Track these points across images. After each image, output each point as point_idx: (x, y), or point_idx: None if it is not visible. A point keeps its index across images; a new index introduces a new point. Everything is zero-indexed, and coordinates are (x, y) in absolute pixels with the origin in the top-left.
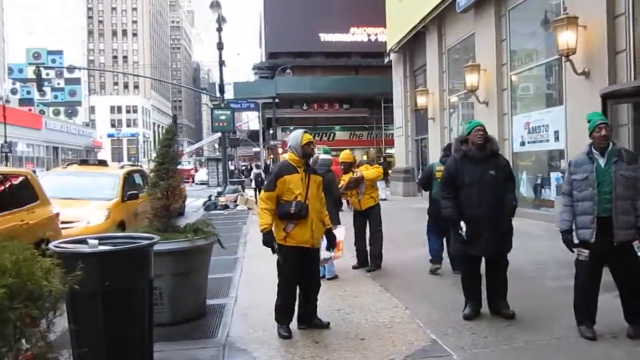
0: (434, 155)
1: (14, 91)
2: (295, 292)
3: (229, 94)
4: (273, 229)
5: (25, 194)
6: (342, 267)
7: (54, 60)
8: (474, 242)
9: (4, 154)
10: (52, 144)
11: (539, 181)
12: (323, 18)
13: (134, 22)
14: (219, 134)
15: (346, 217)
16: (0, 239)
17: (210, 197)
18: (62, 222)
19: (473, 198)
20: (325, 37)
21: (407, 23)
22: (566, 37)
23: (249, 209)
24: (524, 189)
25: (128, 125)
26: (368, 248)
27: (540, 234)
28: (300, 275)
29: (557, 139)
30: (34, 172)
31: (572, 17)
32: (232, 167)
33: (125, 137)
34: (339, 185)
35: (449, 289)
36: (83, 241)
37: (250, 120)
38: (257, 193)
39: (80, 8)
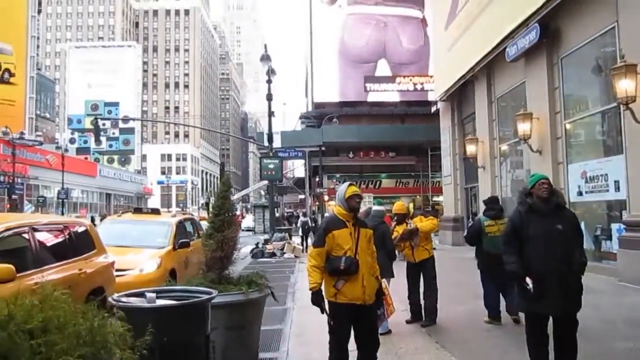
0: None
1: (72, 140)
2: (346, 351)
3: (277, 143)
4: (323, 286)
5: (83, 243)
6: (395, 321)
7: (110, 112)
8: (541, 300)
9: (60, 200)
10: (106, 191)
11: (598, 232)
12: (369, 69)
13: (186, 74)
14: (265, 181)
15: (397, 267)
16: (68, 300)
17: (257, 244)
18: (116, 270)
19: (539, 253)
20: (371, 86)
21: (455, 72)
22: (625, 85)
23: (296, 257)
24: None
25: (177, 173)
26: (422, 301)
27: (604, 289)
28: (352, 333)
29: (617, 188)
30: (92, 218)
31: (631, 65)
32: (277, 215)
33: (175, 184)
34: (392, 237)
35: (508, 347)
36: (141, 294)
37: (296, 168)
38: (304, 241)
39: (136, 62)
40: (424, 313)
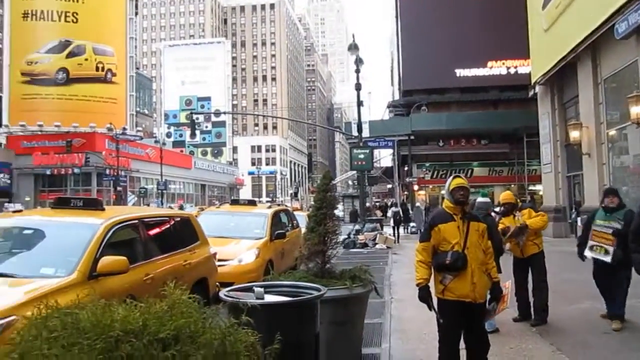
0: (590, 194)
1: (168, 135)
2: (457, 350)
3: (365, 132)
4: (432, 282)
5: (187, 234)
6: (501, 319)
7: (202, 106)
8: None
9: (159, 191)
10: (200, 182)
11: None
12: (458, 54)
13: (273, 67)
14: (353, 172)
15: (503, 261)
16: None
17: (349, 235)
18: (217, 260)
19: None
20: (461, 72)
21: (554, 54)
22: None
23: (388, 247)
24: None
25: (267, 164)
26: (531, 299)
27: None
28: (462, 331)
29: None
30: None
31: None
32: (367, 205)
33: (264, 175)
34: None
35: (636, 355)
36: (249, 288)
37: (383, 158)
38: (396, 231)
39: (225, 58)
40: (533, 311)
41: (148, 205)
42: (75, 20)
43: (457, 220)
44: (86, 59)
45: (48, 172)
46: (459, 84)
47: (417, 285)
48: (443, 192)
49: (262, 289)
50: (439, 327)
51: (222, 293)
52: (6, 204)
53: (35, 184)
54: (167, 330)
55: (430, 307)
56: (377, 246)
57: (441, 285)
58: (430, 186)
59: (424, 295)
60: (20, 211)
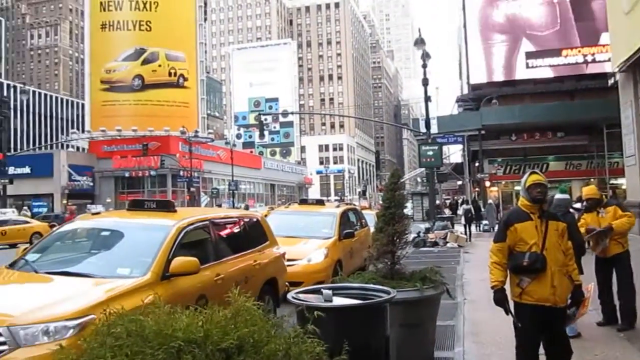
0: None
1: (238, 136)
2: (536, 356)
3: (433, 128)
4: (508, 284)
5: (257, 234)
6: (584, 322)
7: (270, 107)
8: None
9: (231, 192)
10: (270, 182)
11: None
12: (530, 44)
13: (339, 66)
14: (422, 169)
15: (584, 260)
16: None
17: (419, 233)
18: (287, 260)
19: None
20: (533, 62)
21: (637, 38)
22: None
23: (460, 246)
24: None
25: (335, 162)
26: (617, 302)
27: None
28: (541, 336)
29: None
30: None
31: None
32: (437, 202)
33: (332, 174)
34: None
35: None
36: (317, 291)
37: (452, 154)
38: (467, 229)
39: (292, 58)
40: (619, 315)
41: (220, 205)
42: (148, 28)
43: (534, 219)
44: (160, 65)
45: (127, 175)
46: (531, 75)
47: (492, 288)
48: (518, 188)
49: (330, 291)
50: (517, 331)
51: (290, 295)
52: (89, 206)
53: (116, 186)
54: (230, 339)
55: (507, 311)
56: (447, 245)
57: (518, 289)
58: (503, 182)
59: (500, 298)
60: (98, 213)
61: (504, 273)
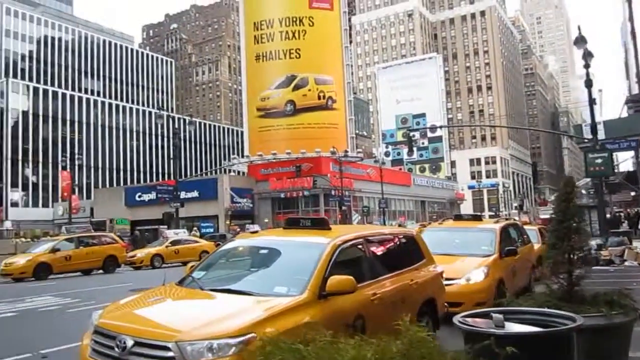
0: None
1: (387, 154)
2: None
3: (599, 134)
4: None
5: (412, 252)
6: None
7: (418, 123)
8: None
9: (381, 209)
10: (420, 198)
11: None
12: None
13: (487, 76)
14: (587, 179)
15: None
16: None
17: (590, 249)
18: (444, 279)
19: None
20: None
21: None
22: None
23: None
24: None
25: (487, 176)
26: None
27: None
28: None
29: None
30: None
31: None
32: (608, 215)
33: (485, 188)
34: None
35: None
36: (486, 314)
37: (622, 162)
38: None
39: (438, 72)
40: None
41: (371, 223)
42: (298, 55)
43: None
44: (309, 90)
45: (282, 196)
46: None
47: None
48: None
49: (501, 316)
50: None
51: (457, 319)
52: (247, 225)
53: (272, 206)
54: None
55: None
56: (625, 263)
57: None
58: None
59: None
60: (256, 232)
61: None
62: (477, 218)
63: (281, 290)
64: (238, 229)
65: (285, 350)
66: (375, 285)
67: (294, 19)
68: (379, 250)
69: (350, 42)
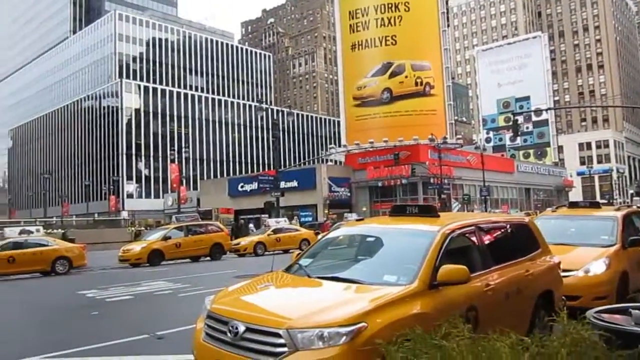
0: None
1: (488, 140)
2: None
3: None
4: None
5: (527, 241)
6: None
7: (521, 107)
8: None
9: (482, 197)
10: (524, 186)
11: None
12: None
13: (599, 54)
14: None
15: None
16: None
17: None
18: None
19: None
20: None
21: None
22: None
23: None
24: None
25: (599, 162)
26: None
27: None
28: None
29: None
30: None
31: None
32: None
33: (597, 174)
34: None
35: None
36: (623, 310)
37: None
38: None
39: (543, 52)
40: None
41: (472, 211)
42: (394, 42)
43: None
44: (406, 77)
45: (379, 184)
46: None
47: None
48: None
49: None
50: None
51: (591, 315)
52: (346, 214)
53: (370, 195)
54: None
55: None
56: None
57: None
58: None
59: None
60: (362, 219)
61: None
62: (595, 205)
63: (390, 279)
64: (335, 217)
65: (429, 345)
66: (488, 276)
67: (389, 5)
68: (491, 239)
69: (448, 25)
